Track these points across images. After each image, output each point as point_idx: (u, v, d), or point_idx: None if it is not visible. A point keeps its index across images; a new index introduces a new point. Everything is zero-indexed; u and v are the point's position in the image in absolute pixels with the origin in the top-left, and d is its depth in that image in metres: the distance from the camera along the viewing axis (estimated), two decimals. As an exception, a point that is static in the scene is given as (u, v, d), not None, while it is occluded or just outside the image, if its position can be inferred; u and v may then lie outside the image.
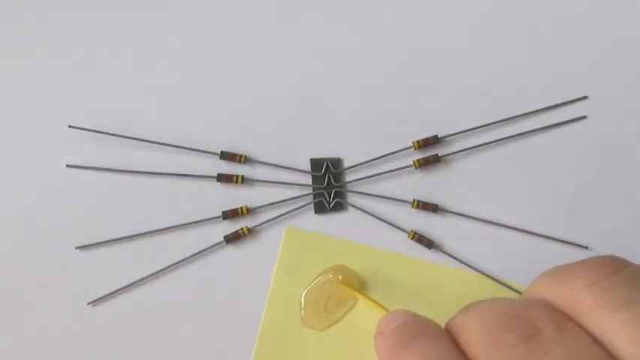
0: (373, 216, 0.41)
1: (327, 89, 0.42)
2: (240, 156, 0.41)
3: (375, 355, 0.30)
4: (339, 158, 0.41)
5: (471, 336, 0.27)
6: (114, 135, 0.41)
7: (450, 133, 0.41)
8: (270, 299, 0.40)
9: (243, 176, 0.41)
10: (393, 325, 0.30)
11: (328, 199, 0.41)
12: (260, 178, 0.41)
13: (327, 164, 0.41)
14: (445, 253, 0.40)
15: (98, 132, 0.41)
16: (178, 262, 0.41)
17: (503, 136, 0.41)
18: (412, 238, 0.40)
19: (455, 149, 0.41)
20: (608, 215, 0.41)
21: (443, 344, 0.27)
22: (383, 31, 0.43)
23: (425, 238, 0.40)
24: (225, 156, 0.41)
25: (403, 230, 0.40)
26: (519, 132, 0.41)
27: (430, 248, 0.40)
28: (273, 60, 0.42)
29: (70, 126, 0.41)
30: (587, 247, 0.41)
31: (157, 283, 0.41)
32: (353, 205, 0.41)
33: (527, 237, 0.40)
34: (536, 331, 0.26)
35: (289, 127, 0.42)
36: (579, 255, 0.41)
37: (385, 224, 0.40)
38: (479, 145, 0.41)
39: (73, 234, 0.41)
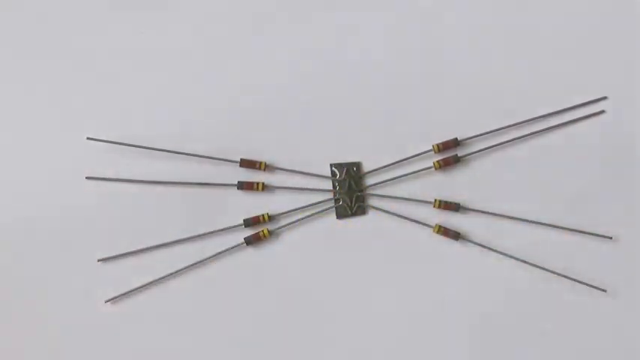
0: (396, 215, 0.41)
1: (341, 95, 0.42)
2: (260, 163, 0.41)
3: None
4: (358, 162, 0.41)
5: None
6: (132, 146, 0.41)
7: (470, 136, 0.41)
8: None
9: (263, 183, 0.41)
10: None
11: (350, 204, 0.41)
12: (281, 185, 0.41)
13: (348, 169, 0.41)
14: (473, 242, 0.40)
15: (117, 143, 0.41)
16: (198, 263, 0.41)
17: (522, 134, 0.41)
18: (438, 232, 0.40)
19: (474, 149, 0.41)
20: (631, 206, 0.41)
21: None
22: (398, 36, 0.43)
23: (451, 230, 0.40)
24: (245, 163, 0.41)
25: (428, 226, 0.40)
26: (538, 130, 0.42)
27: (457, 240, 0.40)
28: (287, 68, 0.43)
29: (88, 138, 0.41)
30: (611, 238, 0.41)
31: (175, 285, 0.41)
32: (375, 207, 0.41)
33: (553, 230, 0.41)
34: None
35: (308, 133, 0.42)
36: (603, 246, 0.41)
37: (407, 224, 0.41)
38: (499, 144, 0.41)
39: (96, 245, 0.41)
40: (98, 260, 0.41)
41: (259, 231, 0.40)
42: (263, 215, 0.41)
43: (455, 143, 0.41)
